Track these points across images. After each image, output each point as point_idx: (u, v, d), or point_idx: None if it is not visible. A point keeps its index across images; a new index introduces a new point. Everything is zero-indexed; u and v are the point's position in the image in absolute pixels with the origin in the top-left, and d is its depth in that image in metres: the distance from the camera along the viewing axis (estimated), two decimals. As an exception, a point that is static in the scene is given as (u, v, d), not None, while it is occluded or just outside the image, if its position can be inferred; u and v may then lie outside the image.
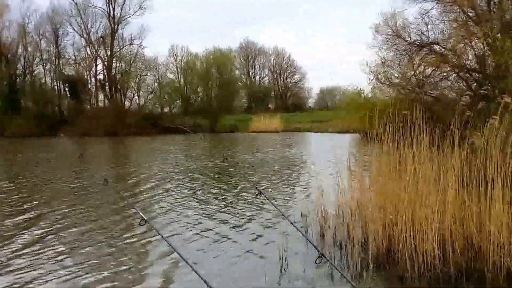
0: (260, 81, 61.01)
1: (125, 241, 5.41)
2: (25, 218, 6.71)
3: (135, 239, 5.47)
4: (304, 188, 9.17)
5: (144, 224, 2.89)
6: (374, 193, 5.12)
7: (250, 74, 60.12)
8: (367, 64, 17.90)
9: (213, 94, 43.61)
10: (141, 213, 2.97)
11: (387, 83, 17.22)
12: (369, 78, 18.98)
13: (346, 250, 4.85)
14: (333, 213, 5.83)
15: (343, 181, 5.73)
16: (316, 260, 3.80)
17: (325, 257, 2.56)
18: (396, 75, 17.19)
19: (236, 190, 9.09)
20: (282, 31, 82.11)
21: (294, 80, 60.50)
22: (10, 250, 5.11)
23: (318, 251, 2.52)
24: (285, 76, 60.14)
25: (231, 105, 46.05)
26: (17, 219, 6.68)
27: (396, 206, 4.55)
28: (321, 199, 5.92)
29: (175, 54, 45.62)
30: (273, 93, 60.80)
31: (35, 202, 8.08)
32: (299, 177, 11.06)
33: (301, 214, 6.46)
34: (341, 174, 5.93)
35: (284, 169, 12.66)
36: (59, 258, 4.79)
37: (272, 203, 3.90)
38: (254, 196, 6.44)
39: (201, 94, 45.16)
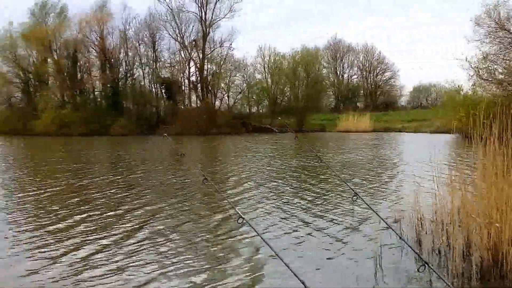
0: (348, 79, 59.73)
1: (228, 240, 5.66)
2: (141, 214, 7.25)
3: (237, 238, 5.72)
4: (400, 191, 8.93)
5: (241, 223, 2.95)
6: (477, 198, 4.85)
7: (338, 73, 59.12)
8: (466, 60, 16.77)
9: (300, 94, 43.69)
10: (240, 213, 3.00)
11: (490, 79, 15.99)
12: (469, 74, 17.74)
13: (445, 258, 4.68)
14: (430, 217, 5.62)
15: (441, 184, 5.50)
16: (419, 268, 3.76)
17: (429, 266, 2.53)
18: (500, 70, 15.89)
19: (334, 191, 9.02)
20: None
21: (384, 78, 58.35)
22: (131, 242, 5.62)
23: (422, 259, 2.51)
24: (375, 73, 58.20)
25: (319, 104, 45.77)
26: (136, 213, 7.28)
27: (503, 214, 4.28)
28: (418, 203, 5.72)
29: (263, 55, 46.48)
30: (362, 91, 59.21)
31: (148, 197, 8.78)
32: (395, 179, 10.75)
33: (395, 219, 6.26)
34: (439, 177, 5.69)
35: (379, 170, 12.40)
36: (172, 254, 5.15)
37: (370, 207, 3.89)
38: (350, 198, 6.44)
39: (288, 93, 45.50)
